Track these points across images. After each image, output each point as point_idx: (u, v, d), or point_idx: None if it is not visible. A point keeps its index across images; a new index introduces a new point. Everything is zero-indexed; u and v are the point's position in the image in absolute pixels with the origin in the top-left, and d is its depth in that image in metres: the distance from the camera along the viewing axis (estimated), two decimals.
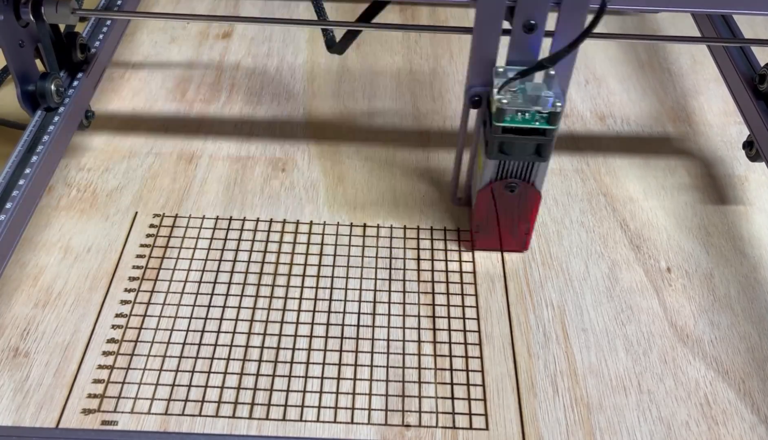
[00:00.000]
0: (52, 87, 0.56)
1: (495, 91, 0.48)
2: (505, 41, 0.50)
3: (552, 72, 0.48)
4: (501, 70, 0.49)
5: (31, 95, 0.57)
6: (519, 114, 0.48)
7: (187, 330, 0.51)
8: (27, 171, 0.52)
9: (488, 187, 0.52)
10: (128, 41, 0.77)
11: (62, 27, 0.59)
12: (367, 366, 0.50)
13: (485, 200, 0.53)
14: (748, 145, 0.62)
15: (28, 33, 0.56)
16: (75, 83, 0.60)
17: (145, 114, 0.69)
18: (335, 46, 0.61)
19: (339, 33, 0.60)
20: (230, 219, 0.59)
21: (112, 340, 0.50)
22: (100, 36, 0.64)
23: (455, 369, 0.50)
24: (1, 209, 0.49)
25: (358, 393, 0.48)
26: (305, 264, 0.56)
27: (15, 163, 0.53)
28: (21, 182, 0.51)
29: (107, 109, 0.68)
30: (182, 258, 0.56)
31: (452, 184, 0.60)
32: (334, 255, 0.57)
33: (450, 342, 0.51)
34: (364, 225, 0.59)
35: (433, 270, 0.56)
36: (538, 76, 0.49)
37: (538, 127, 0.48)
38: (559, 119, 0.48)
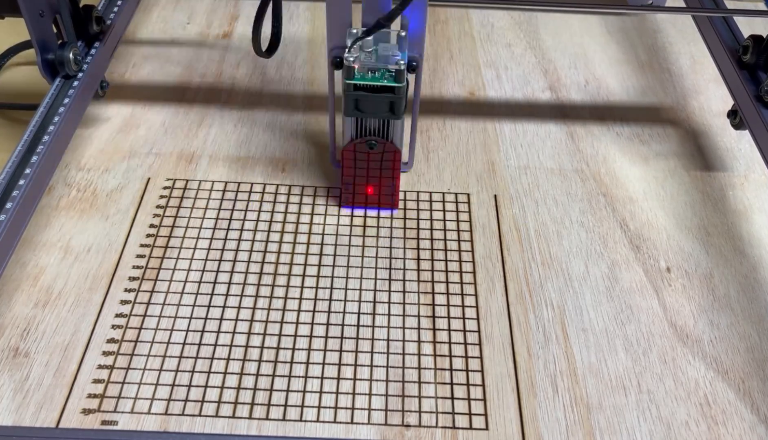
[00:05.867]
0: (71, 55, 0.59)
1: (346, 51, 0.51)
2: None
3: (403, 33, 0.51)
4: (354, 31, 0.51)
5: (50, 63, 0.59)
6: (369, 72, 0.51)
7: (187, 330, 0.51)
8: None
9: (350, 146, 0.55)
10: (128, 41, 0.77)
11: None
12: (367, 366, 0.50)
13: (348, 158, 0.56)
14: (732, 114, 0.65)
15: (47, 3, 0.58)
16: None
17: (145, 114, 0.69)
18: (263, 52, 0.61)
19: None
20: (230, 219, 0.59)
21: (112, 340, 0.50)
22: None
23: (455, 369, 0.50)
24: (1, 209, 0.49)
25: (358, 393, 0.48)
26: (305, 264, 0.56)
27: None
28: (21, 183, 0.51)
29: (107, 108, 0.68)
30: (182, 259, 0.56)
31: (330, 146, 0.61)
32: (334, 256, 0.57)
33: (450, 342, 0.51)
34: (364, 224, 0.59)
35: (432, 268, 0.56)
36: (393, 38, 0.51)
37: (386, 84, 0.51)
38: (404, 76, 0.51)
